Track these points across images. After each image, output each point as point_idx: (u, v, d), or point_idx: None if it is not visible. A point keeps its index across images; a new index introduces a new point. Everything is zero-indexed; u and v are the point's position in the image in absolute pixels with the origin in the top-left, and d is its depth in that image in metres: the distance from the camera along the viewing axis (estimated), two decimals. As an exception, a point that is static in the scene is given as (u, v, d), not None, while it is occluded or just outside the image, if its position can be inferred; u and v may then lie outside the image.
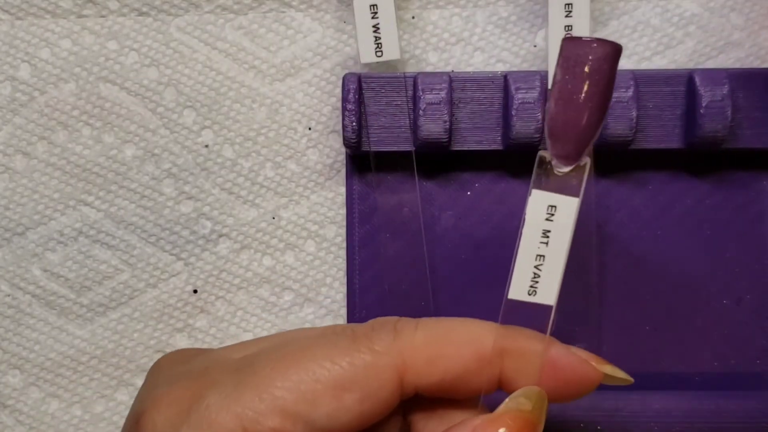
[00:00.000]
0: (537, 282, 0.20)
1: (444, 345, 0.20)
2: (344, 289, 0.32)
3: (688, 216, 0.31)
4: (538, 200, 0.20)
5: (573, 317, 0.30)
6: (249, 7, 0.31)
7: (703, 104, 0.28)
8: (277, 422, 0.19)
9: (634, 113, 0.28)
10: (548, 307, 0.21)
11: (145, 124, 0.31)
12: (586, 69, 0.19)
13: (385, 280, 0.30)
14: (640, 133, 0.29)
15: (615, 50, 0.19)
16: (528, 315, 0.21)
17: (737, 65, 0.31)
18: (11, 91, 0.31)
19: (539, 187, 0.20)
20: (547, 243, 0.20)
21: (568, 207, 0.20)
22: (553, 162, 0.20)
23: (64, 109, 0.31)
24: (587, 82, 0.19)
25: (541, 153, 0.20)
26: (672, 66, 0.31)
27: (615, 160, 0.30)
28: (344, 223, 0.31)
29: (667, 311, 0.31)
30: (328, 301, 0.32)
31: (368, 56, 0.29)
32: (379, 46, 0.29)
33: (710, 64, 0.31)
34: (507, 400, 0.20)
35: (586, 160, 0.20)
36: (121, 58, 0.31)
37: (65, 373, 0.32)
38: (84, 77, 0.31)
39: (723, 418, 0.29)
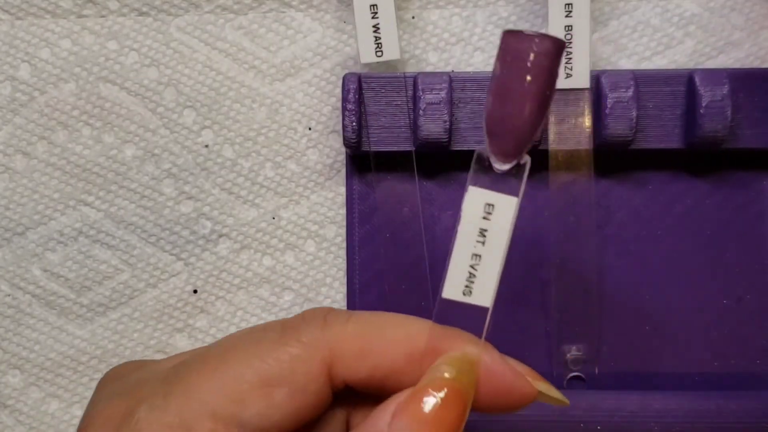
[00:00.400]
0: (472, 282, 0.20)
1: (374, 339, 0.20)
2: (344, 289, 0.32)
3: (688, 216, 0.31)
4: (474, 197, 0.20)
5: (573, 317, 0.30)
6: (249, 7, 0.31)
7: (703, 104, 0.28)
8: (208, 427, 0.18)
9: (634, 113, 0.28)
10: (484, 309, 0.20)
11: (145, 124, 0.31)
12: (527, 64, 0.18)
13: (385, 280, 0.30)
14: (640, 133, 0.29)
15: (557, 46, 0.18)
16: (464, 316, 0.20)
17: (737, 65, 0.31)
18: (11, 91, 0.31)
19: (476, 183, 0.20)
20: (483, 242, 0.20)
21: (507, 206, 0.19)
22: (492, 159, 0.19)
23: (64, 109, 0.31)
24: (527, 78, 0.18)
25: (478, 149, 0.20)
26: (672, 66, 0.31)
27: (615, 160, 0.30)
28: (344, 223, 0.31)
29: (667, 311, 0.31)
30: (328, 301, 0.32)
31: (368, 56, 0.29)
32: (379, 46, 0.29)
33: (710, 64, 0.31)
34: (428, 370, 0.19)
35: (526, 159, 0.19)
36: (121, 58, 0.31)
37: (65, 373, 0.32)
38: (84, 77, 0.31)
39: (723, 418, 0.29)
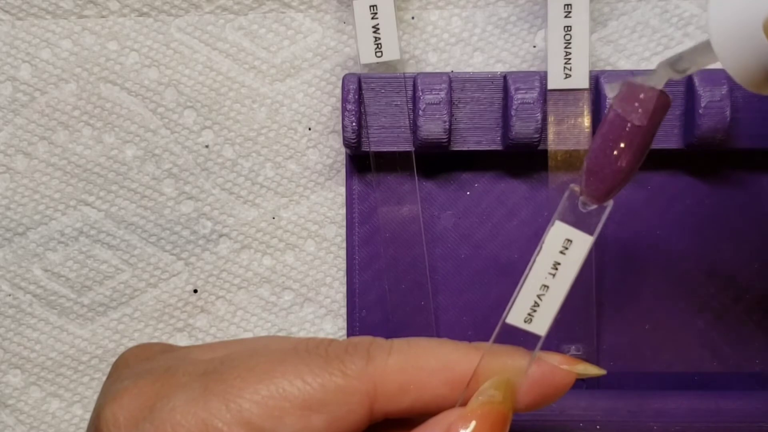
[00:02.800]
0: (536, 311, 0.20)
1: (416, 371, 0.20)
2: (344, 289, 0.32)
3: (688, 216, 0.31)
4: (559, 232, 0.20)
5: (572, 317, 0.30)
6: (249, 8, 0.31)
7: (702, 104, 0.28)
8: None
9: (634, 113, 0.28)
10: (537, 337, 0.20)
11: (146, 124, 0.31)
12: (642, 117, 0.19)
13: (385, 280, 0.31)
14: (639, 133, 0.29)
15: (668, 104, 0.19)
16: (516, 342, 0.21)
17: (737, 65, 0.31)
18: (12, 92, 0.31)
19: (563, 219, 0.20)
20: (554, 275, 0.20)
21: (583, 244, 0.20)
22: (582, 198, 0.20)
23: (65, 109, 0.31)
24: (640, 133, 0.19)
25: (573, 187, 0.20)
26: (671, 66, 0.31)
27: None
28: (344, 223, 0.31)
29: (667, 311, 0.31)
30: (328, 301, 0.32)
31: (368, 57, 0.29)
32: (379, 46, 0.29)
33: (709, 65, 0.31)
34: (477, 393, 0.20)
35: (610, 203, 0.20)
36: (121, 59, 0.31)
37: (66, 373, 0.32)
38: (85, 77, 0.31)
39: (723, 418, 0.29)
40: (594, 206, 0.20)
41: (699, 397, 0.29)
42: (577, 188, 0.20)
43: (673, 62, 0.20)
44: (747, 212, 0.31)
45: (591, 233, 0.20)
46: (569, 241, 0.20)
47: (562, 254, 0.20)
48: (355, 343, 0.21)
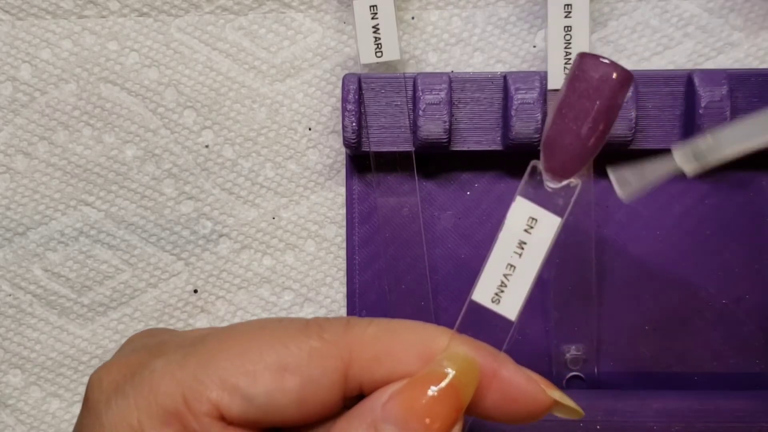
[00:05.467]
0: (503, 291, 0.20)
1: (392, 343, 0.20)
2: (344, 289, 0.32)
3: (688, 216, 0.31)
4: (520, 208, 0.20)
5: (572, 317, 0.30)
6: (249, 8, 0.31)
7: (702, 105, 0.28)
8: (215, 393, 0.19)
9: (634, 113, 0.28)
10: (509, 322, 0.20)
11: (146, 124, 0.32)
12: (597, 90, 0.19)
13: (385, 280, 0.31)
14: (639, 134, 0.29)
15: (628, 78, 0.19)
16: (488, 324, 0.20)
17: (736, 66, 0.31)
18: (12, 92, 0.31)
19: (525, 195, 0.20)
20: (520, 255, 0.20)
21: (549, 224, 0.20)
22: (544, 175, 0.20)
23: (65, 109, 0.31)
24: (594, 103, 0.19)
25: (534, 162, 0.20)
26: (671, 66, 0.31)
27: (615, 160, 0.30)
28: (344, 223, 0.31)
29: (667, 311, 0.31)
30: (328, 301, 0.32)
31: (368, 57, 0.29)
32: (379, 46, 0.29)
33: (709, 65, 0.31)
34: (430, 364, 0.20)
35: (578, 182, 0.20)
36: (121, 59, 0.31)
37: (66, 373, 0.32)
38: (85, 78, 0.31)
39: (723, 418, 0.29)
40: (558, 184, 0.20)
41: (699, 397, 0.29)
42: (539, 164, 0.20)
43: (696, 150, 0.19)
44: (747, 212, 0.31)
45: (560, 214, 0.20)
46: (534, 219, 0.20)
47: (527, 233, 0.20)
48: (337, 317, 0.21)
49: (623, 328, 0.31)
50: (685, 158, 0.20)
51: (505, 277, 0.20)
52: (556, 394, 0.20)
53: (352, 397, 0.20)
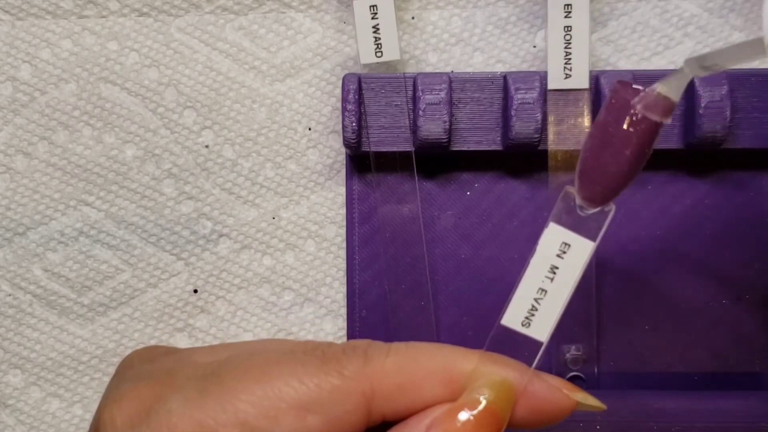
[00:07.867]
0: (533, 315, 0.20)
1: (414, 371, 0.20)
2: (344, 289, 0.32)
3: (688, 216, 0.31)
4: (553, 234, 0.20)
5: (572, 316, 0.30)
6: (249, 8, 0.31)
7: (702, 104, 0.28)
8: None
9: (634, 113, 0.28)
10: (538, 343, 0.20)
11: (146, 124, 0.32)
12: (635, 118, 0.18)
13: (385, 280, 0.31)
14: (639, 133, 0.29)
15: (670, 106, 0.18)
16: (515, 346, 0.20)
17: (736, 66, 0.31)
18: (12, 92, 0.31)
19: (558, 221, 0.20)
20: (552, 279, 0.20)
21: (582, 249, 0.20)
22: (578, 200, 0.20)
23: (65, 109, 0.31)
24: (632, 131, 0.18)
25: (567, 188, 0.20)
26: (671, 66, 0.31)
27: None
28: (344, 223, 0.31)
29: (666, 311, 0.31)
30: (328, 301, 0.32)
31: (368, 57, 0.29)
32: (379, 46, 0.29)
33: (710, 65, 0.31)
34: (468, 391, 0.19)
35: (611, 207, 0.19)
36: (121, 59, 0.31)
37: (66, 373, 0.32)
38: (85, 78, 0.31)
39: (723, 418, 0.29)
40: (592, 210, 0.20)
41: (699, 397, 0.29)
42: (572, 190, 0.20)
43: (701, 59, 0.19)
44: (747, 212, 0.31)
45: (593, 239, 0.20)
46: (566, 244, 0.20)
47: (559, 258, 0.20)
48: (353, 345, 0.20)
49: (623, 328, 0.31)
50: (696, 66, 0.20)
51: (536, 301, 0.20)
52: (579, 396, 0.20)
53: (375, 425, 0.20)
